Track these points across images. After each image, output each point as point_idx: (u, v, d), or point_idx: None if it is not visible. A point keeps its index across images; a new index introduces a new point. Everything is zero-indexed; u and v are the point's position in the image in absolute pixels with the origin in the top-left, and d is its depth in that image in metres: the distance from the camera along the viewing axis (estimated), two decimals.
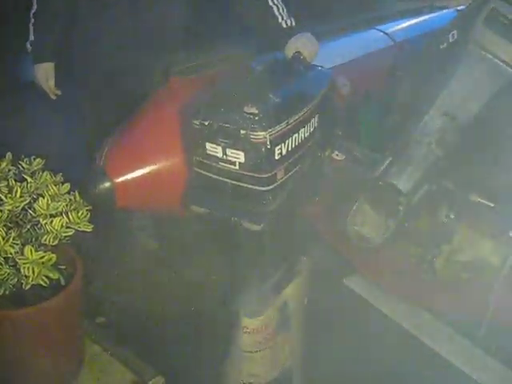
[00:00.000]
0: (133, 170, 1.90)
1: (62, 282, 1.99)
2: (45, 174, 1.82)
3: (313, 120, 1.69)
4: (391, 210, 1.59)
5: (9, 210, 1.71)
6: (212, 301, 2.68)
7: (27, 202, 1.72)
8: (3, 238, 1.67)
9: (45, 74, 2.31)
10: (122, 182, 1.88)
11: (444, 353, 2.45)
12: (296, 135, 1.62)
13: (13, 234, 1.70)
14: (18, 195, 1.70)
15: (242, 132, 1.51)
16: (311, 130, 1.69)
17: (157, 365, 2.29)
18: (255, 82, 1.68)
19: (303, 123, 1.64)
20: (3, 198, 1.69)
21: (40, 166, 1.88)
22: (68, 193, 1.90)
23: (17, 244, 1.71)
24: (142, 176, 1.90)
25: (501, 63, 1.77)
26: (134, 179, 1.89)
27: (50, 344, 1.96)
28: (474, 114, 1.69)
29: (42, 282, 1.83)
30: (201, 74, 2.10)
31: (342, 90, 2.46)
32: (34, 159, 1.89)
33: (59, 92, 2.38)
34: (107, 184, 1.87)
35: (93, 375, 2.20)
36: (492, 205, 1.91)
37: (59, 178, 1.92)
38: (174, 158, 1.89)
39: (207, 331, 2.53)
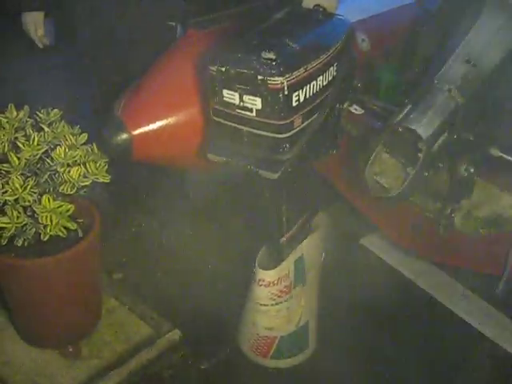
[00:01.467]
0: (151, 121, 1.88)
1: (80, 233, 2.01)
2: (61, 124, 1.83)
3: (331, 69, 1.66)
4: (410, 157, 1.56)
5: (26, 159, 1.72)
6: (230, 254, 2.70)
7: (44, 150, 1.72)
8: (21, 186, 1.67)
9: (33, 23, 2.30)
10: (140, 132, 1.86)
11: (460, 312, 2.44)
12: (314, 83, 1.59)
13: (31, 183, 1.71)
14: (35, 143, 1.71)
15: (260, 77, 1.49)
16: (329, 78, 1.67)
17: (174, 319, 2.33)
18: (273, 30, 1.66)
19: (321, 71, 1.61)
20: (20, 145, 1.69)
21: (57, 116, 1.89)
22: (85, 144, 1.91)
23: (35, 193, 1.72)
24: (160, 127, 1.88)
25: None
26: (151, 130, 1.87)
27: (67, 294, 1.99)
28: (497, 63, 1.65)
29: (60, 233, 1.85)
30: (219, 26, 2.07)
31: (360, 45, 2.42)
32: (52, 110, 1.89)
33: (48, 42, 2.37)
34: (125, 135, 1.85)
35: (111, 328, 2.25)
36: None
37: (77, 129, 1.93)
38: (191, 108, 1.88)
39: (225, 285, 2.55)
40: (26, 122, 1.86)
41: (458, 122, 1.63)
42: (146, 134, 1.87)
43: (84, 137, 1.86)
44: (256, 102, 1.54)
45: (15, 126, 1.81)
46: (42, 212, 1.74)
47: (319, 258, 2.20)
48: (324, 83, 1.65)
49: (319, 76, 1.61)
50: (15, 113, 1.83)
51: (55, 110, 1.89)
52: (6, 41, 3.77)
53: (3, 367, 2.07)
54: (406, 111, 1.56)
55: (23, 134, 1.76)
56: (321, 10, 1.96)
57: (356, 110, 2.08)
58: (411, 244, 2.24)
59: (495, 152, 1.88)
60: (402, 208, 2.15)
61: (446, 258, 2.21)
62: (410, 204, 2.12)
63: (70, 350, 2.10)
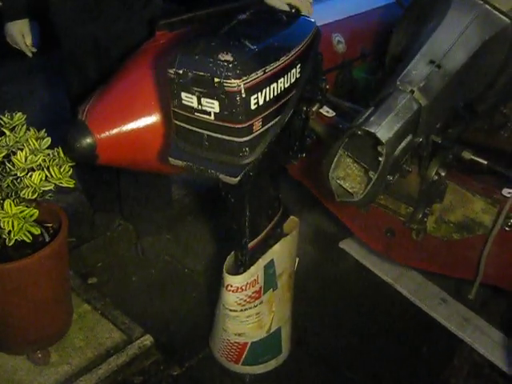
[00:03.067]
0: (115, 125, 1.85)
1: (47, 238, 1.99)
2: (24, 127, 1.80)
3: (294, 70, 1.63)
4: (372, 161, 1.53)
5: None
6: (206, 259, 2.68)
7: (3, 154, 1.69)
8: None
9: (20, 32, 2.25)
10: (104, 137, 1.84)
11: (438, 317, 2.42)
12: (274, 85, 1.56)
13: None
14: None
15: (216, 80, 1.46)
16: (292, 80, 1.63)
17: (147, 325, 2.30)
18: (234, 31, 1.62)
19: (282, 73, 1.58)
20: None
21: (21, 120, 1.86)
22: (50, 148, 1.88)
23: None
24: (125, 131, 1.85)
25: (493, 11, 1.69)
26: (116, 134, 1.85)
27: (34, 300, 1.96)
28: (463, 63, 1.61)
29: (25, 238, 1.83)
30: (188, 27, 2.04)
31: (336, 47, 2.39)
32: (16, 114, 1.87)
33: (35, 49, 2.33)
34: (89, 139, 1.83)
35: (82, 333, 2.23)
36: (485, 162, 1.84)
37: (42, 133, 1.90)
38: (156, 112, 1.85)
39: (201, 290, 2.53)
40: None
41: (422, 125, 1.59)
42: (110, 138, 1.85)
43: (48, 141, 1.83)
44: (214, 105, 1.51)
45: None
46: (3, 217, 1.71)
47: (292, 262, 2.17)
48: (286, 85, 1.62)
49: (280, 78, 1.58)
50: None
51: (19, 113, 1.86)
52: None
53: None
54: (367, 114, 1.53)
55: None
56: (293, 10, 1.95)
57: (328, 112, 2.06)
58: (386, 249, 2.21)
59: (467, 155, 1.85)
60: (376, 212, 2.12)
61: (420, 263, 2.19)
62: (383, 208, 2.10)
63: (39, 355, 2.07)
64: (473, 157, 1.84)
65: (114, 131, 1.86)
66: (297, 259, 2.26)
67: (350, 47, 2.42)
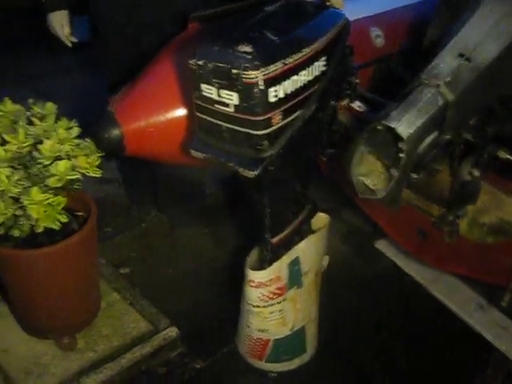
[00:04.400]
0: (143, 117, 1.86)
1: (75, 226, 2.02)
2: (53, 117, 1.83)
3: (318, 63, 1.59)
4: (393, 158, 1.48)
5: (13, 151, 1.73)
6: (239, 253, 2.67)
7: (30, 143, 1.73)
8: (7, 178, 1.69)
9: (60, 22, 2.32)
10: (132, 128, 1.86)
11: (474, 323, 2.33)
12: (295, 77, 1.53)
13: (17, 175, 1.72)
14: (21, 136, 1.72)
15: (234, 71, 1.44)
16: (316, 73, 1.60)
17: (174, 316, 2.31)
18: (258, 23, 1.60)
19: (304, 65, 1.54)
20: (6, 138, 1.71)
21: (52, 110, 1.89)
22: (79, 137, 1.91)
23: (21, 185, 1.74)
24: (151, 123, 1.86)
25: None
26: (143, 126, 1.86)
27: (62, 287, 2.00)
28: (494, 57, 1.53)
29: (53, 226, 1.86)
30: (221, 20, 2.03)
31: (374, 41, 2.33)
32: (46, 103, 1.91)
33: (75, 39, 2.38)
34: (116, 130, 1.85)
35: (109, 321, 2.25)
36: None
37: (72, 123, 1.93)
38: (182, 105, 1.85)
39: (231, 284, 2.52)
40: (21, 115, 1.87)
41: (449, 121, 1.53)
42: (137, 129, 1.86)
43: (76, 130, 1.86)
44: (233, 97, 1.49)
45: (9, 118, 1.83)
46: (30, 204, 1.75)
47: (319, 261, 2.13)
48: (309, 78, 1.58)
49: (302, 71, 1.54)
50: (10, 106, 1.84)
51: (50, 103, 1.89)
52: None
53: (1, 354, 2.11)
54: (389, 109, 1.48)
55: (9, 125, 1.77)
56: (328, 3, 1.91)
57: (359, 107, 2.01)
58: (417, 250, 2.15)
59: (503, 154, 1.77)
60: (408, 212, 2.06)
61: (452, 266, 2.11)
62: (414, 208, 2.04)
63: (66, 341, 2.11)
64: (509, 156, 1.76)
65: (141, 123, 1.87)
66: (326, 258, 2.22)
67: (388, 41, 2.35)
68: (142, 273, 2.59)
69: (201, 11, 2.05)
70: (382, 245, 2.69)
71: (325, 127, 1.84)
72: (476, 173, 1.79)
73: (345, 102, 1.91)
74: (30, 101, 1.96)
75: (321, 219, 2.13)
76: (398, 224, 2.16)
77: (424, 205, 1.99)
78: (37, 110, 1.88)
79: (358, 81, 1.86)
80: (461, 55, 1.52)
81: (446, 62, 1.51)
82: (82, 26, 4.14)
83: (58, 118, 1.93)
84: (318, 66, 1.61)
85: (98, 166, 1.90)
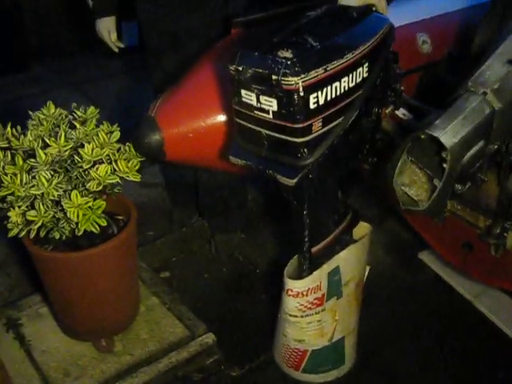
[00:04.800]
0: (183, 123, 1.86)
1: (114, 230, 2.03)
2: (94, 121, 1.85)
3: (360, 69, 1.55)
4: (436, 168, 1.42)
5: (54, 155, 1.75)
6: (274, 261, 2.65)
7: (71, 146, 1.75)
8: (47, 181, 1.71)
9: (107, 28, 2.35)
10: (172, 133, 1.85)
11: None
12: (337, 84, 1.49)
13: (57, 178, 1.74)
14: (62, 140, 1.74)
15: (274, 77, 1.42)
16: (358, 80, 1.56)
17: (212, 323, 2.30)
18: (300, 28, 1.57)
19: (346, 71, 1.51)
20: (48, 142, 1.73)
21: (94, 114, 1.91)
22: (120, 142, 1.92)
23: (61, 188, 1.75)
24: (192, 129, 1.86)
25: None
26: (183, 132, 1.86)
27: (100, 290, 2.01)
28: None
29: (93, 229, 1.88)
30: (264, 25, 2.01)
31: (421, 47, 2.27)
32: (89, 107, 1.93)
33: (122, 45, 2.41)
34: (157, 135, 1.85)
35: (147, 325, 2.26)
36: None
37: (114, 127, 1.94)
38: (222, 111, 1.83)
39: (270, 292, 2.50)
40: (64, 118, 1.89)
41: (496, 130, 1.46)
42: (178, 135, 1.86)
43: (117, 135, 1.87)
44: (272, 104, 1.46)
45: (52, 122, 1.85)
46: (69, 207, 1.77)
47: (361, 271, 2.08)
48: (351, 85, 1.54)
49: (343, 77, 1.50)
50: (53, 110, 1.87)
51: (92, 107, 1.91)
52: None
53: (41, 355, 2.14)
54: (433, 117, 1.42)
55: (51, 129, 1.80)
56: (373, 8, 1.87)
57: (404, 114, 1.96)
58: (462, 263, 2.07)
59: None
60: (452, 223, 1.99)
61: (499, 282, 2.02)
62: (460, 219, 1.96)
63: (104, 344, 2.12)
64: None
65: (182, 128, 1.86)
66: (367, 268, 2.17)
67: (436, 48, 2.28)
68: (181, 277, 2.59)
69: (243, 16, 2.04)
70: (425, 256, 2.62)
71: (368, 135, 1.79)
72: None
73: (389, 110, 1.86)
74: (74, 104, 1.99)
75: (363, 228, 2.08)
76: (442, 236, 2.09)
77: (470, 216, 1.92)
78: (79, 113, 1.90)
79: (403, 88, 1.81)
80: (509, 62, 1.45)
81: (493, 69, 1.45)
82: (130, 30, 4.21)
83: (100, 122, 1.95)
84: (361, 73, 1.56)
85: (138, 171, 1.91)
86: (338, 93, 1.51)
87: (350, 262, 2.00)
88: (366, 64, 1.57)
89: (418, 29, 2.26)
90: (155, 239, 2.75)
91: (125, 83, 4.19)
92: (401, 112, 1.94)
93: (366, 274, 2.17)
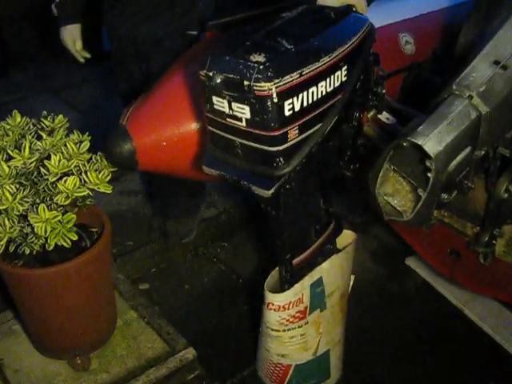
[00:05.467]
0: (156, 131, 1.78)
1: (87, 244, 1.94)
2: (61, 131, 1.76)
3: (338, 73, 1.47)
4: (420, 178, 1.34)
5: (19, 167, 1.66)
6: (258, 271, 2.56)
7: (36, 158, 1.66)
8: (11, 195, 1.62)
9: (71, 37, 2.24)
10: (144, 142, 1.77)
11: (506, 345, 2.16)
12: (314, 89, 1.41)
13: (22, 191, 1.65)
14: (26, 152, 1.65)
15: (246, 83, 1.33)
16: (336, 84, 1.48)
17: (192, 337, 2.21)
18: (274, 31, 1.49)
19: (324, 76, 1.42)
20: (10, 153, 1.64)
21: (62, 123, 1.82)
22: (90, 152, 1.83)
23: (27, 202, 1.66)
24: (165, 137, 1.78)
25: None
26: (156, 140, 1.78)
27: (73, 306, 1.92)
28: None
29: (64, 243, 1.79)
30: (239, 28, 1.93)
31: (404, 47, 2.19)
32: (56, 117, 1.84)
33: (88, 55, 2.30)
34: (129, 144, 1.77)
35: (125, 341, 2.18)
36: None
37: (84, 137, 1.86)
38: (195, 119, 1.75)
39: (252, 305, 2.41)
40: (31, 128, 1.80)
41: (483, 136, 1.38)
42: (151, 143, 1.78)
43: (86, 145, 1.78)
44: (245, 111, 1.38)
45: (18, 132, 1.76)
46: (36, 222, 1.68)
47: (345, 281, 2.00)
48: (329, 89, 1.46)
49: (320, 82, 1.42)
50: (19, 119, 1.78)
51: (60, 116, 1.83)
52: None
53: (14, 374, 2.05)
54: (416, 123, 1.34)
55: (14, 140, 1.71)
56: (353, 9, 1.79)
57: (388, 119, 1.88)
58: (450, 271, 2.00)
59: None
60: (440, 231, 1.92)
61: (488, 290, 1.95)
62: (447, 227, 1.89)
63: (79, 362, 2.03)
64: None
65: (155, 137, 1.78)
66: (352, 277, 2.09)
67: (419, 48, 2.21)
68: (161, 289, 2.51)
69: (218, 19, 1.96)
70: (412, 262, 2.54)
71: (349, 141, 1.71)
72: None
73: (371, 114, 1.78)
74: (44, 113, 1.90)
75: (347, 237, 2.00)
76: (429, 243, 2.02)
77: (457, 223, 1.85)
78: (47, 123, 1.81)
79: (385, 91, 1.73)
80: (496, 63, 1.37)
81: (479, 71, 1.37)
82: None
83: (70, 131, 1.86)
84: (339, 76, 1.48)
85: (113, 179, 1.82)
86: (315, 98, 1.43)
87: (333, 272, 1.92)
88: (345, 67, 1.49)
89: (400, 29, 2.19)
90: (135, 249, 2.66)
91: (105, 89, 4.10)
92: (384, 116, 1.86)
93: (351, 283, 2.09)
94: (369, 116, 1.80)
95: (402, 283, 2.52)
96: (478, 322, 2.26)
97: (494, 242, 1.77)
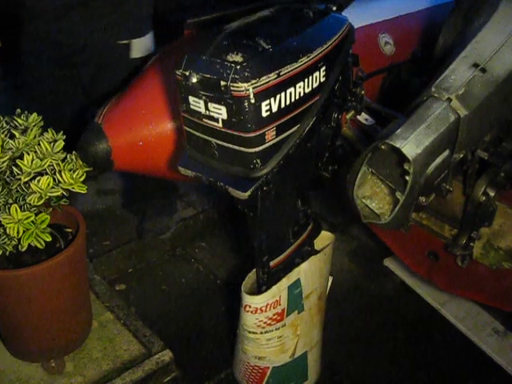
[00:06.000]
0: (132, 130, 1.76)
1: (62, 245, 1.91)
2: (34, 129, 1.72)
3: (316, 74, 1.46)
4: (398, 181, 1.33)
5: None
6: (237, 272, 2.54)
7: (7, 157, 1.61)
8: None
9: None
10: (120, 142, 1.74)
11: (488, 350, 2.17)
12: (292, 90, 1.39)
13: None
14: None
15: (223, 83, 1.31)
16: (314, 85, 1.46)
17: (169, 339, 2.19)
18: (251, 30, 1.47)
19: (301, 76, 1.41)
20: None
21: (36, 122, 1.78)
22: (65, 151, 1.79)
23: None
24: (142, 136, 1.75)
25: None
26: (132, 140, 1.75)
27: (46, 308, 1.88)
28: (511, 67, 1.38)
29: (37, 244, 1.75)
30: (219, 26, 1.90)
31: (383, 48, 2.18)
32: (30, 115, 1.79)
33: None
34: (104, 144, 1.74)
35: (100, 343, 2.14)
36: None
37: (59, 135, 1.81)
38: (172, 119, 1.73)
39: (228, 304, 2.40)
40: (4, 127, 1.76)
41: (462, 139, 1.37)
42: (127, 143, 1.75)
43: (60, 144, 1.74)
44: (221, 111, 1.36)
45: None
46: (8, 223, 1.63)
47: (323, 282, 1.99)
48: (307, 90, 1.44)
49: (298, 82, 1.41)
50: None
51: (34, 114, 1.78)
52: None
53: None
54: (395, 125, 1.33)
55: None
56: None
57: (366, 120, 1.87)
58: (428, 273, 2.00)
59: None
60: (418, 233, 1.91)
61: (465, 292, 1.95)
62: (425, 229, 1.89)
63: (53, 364, 2.00)
64: None
65: (130, 137, 1.76)
66: (330, 278, 2.08)
67: (399, 49, 2.20)
68: (138, 290, 2.48)
69: (196, 17, 1.93)
70: (390, 263, 2.54)
71: (327, 142, 1.70)
72: (491, 193, 1.64)
73: (350, 115, 1.77)
74: (18, 111, 1.86)
75: (325, 238, 1.99)
76: (407, 245, 2.01)
77: (435, 225, 1.85)
78: (20, 121, 1.76)
79: (363, 92, 1.72)
80: (475, 65, 1.36)
81: (458, 73, 1.36)
82: None
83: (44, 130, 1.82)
84: (318, 77, 1.47)
85: (89, 179, 1.78)
86: (293, 99, 1.41)
87: (311, 273, 1.91)
88: (323, 68, 1.48)
89: (380, 29, 2.18)
90: (111, 249, 2.62)
91: None
92: (363, 117, 1.86)
93: (329, 284, 2.08)
94: (347, 117, 1.78)
95: (380, 284, 2.51)
96: (455, 323, 2.27)
97: (471, 244, 1.77)
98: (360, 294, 2.46)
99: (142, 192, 2.62)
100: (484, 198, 1.64)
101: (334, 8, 1.78)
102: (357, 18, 2.12)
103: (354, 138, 1.80)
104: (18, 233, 1.66)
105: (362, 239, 2.69)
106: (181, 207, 2.79)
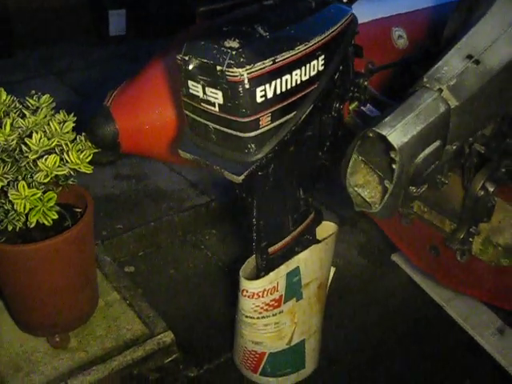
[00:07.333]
0: (139, 114, 1.79)
1: (70, 223, 1.96)
2: (44, 110, 1.77)
3: (314, 62, 1.47)
4: (386, 169, 1.34)
5: (1, 144, 1.68)
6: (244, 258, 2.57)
7: (16, 135, 1.67)
8: None
9: None
10: (127, 124, 1.79)
11: (491, 349, 2.16)
12: (288, 77, 1.41)
13: (2, 168, 1.67)
14: (6, 129, 1.66)
15: (218, 68, 1.34)
16: (312, 73, 1.48)
17: (172, 321, 2.23)
18: (252, 17, 1.49)
19: (298, 64, 1.42)
20: None
21: (47, 103, 1.84)
22: (74, 132, 1.85)
23: (7, 178, 1.69)
24: (148, 120, 1.79)
25: None
26: (139, 123, 1.79)
27: (53, 284, 1.95)
28: (508, 61, 1.37)
29: (45, 221, 1.81)
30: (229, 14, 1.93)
31: (396, 42, 2.18)
32: (43, 95, 1.85)
33: None
34: (111, 126, 1.78)
35: (105, 322, 2.20)
36: None
37: (70, 117, 1.87)
38: (178, 103, 1.76)
39: (232, 290, 2.42)
40: (17, 106, 1.82)
41: (454, 130, 1.38)
42: (134, 126, 1.79)
43: (70, 125, 1.80)
44: (218, 96, 1.39)
45: (3, 110, 1.78)
46: (16, 198, 1.70)
47: (324, 272, 2.00)
48: (304, 78, 1.46)
49: (295, 70, 1.42)
50: (4, 97, 1.80)
51: (46, 95, 1.84)
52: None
53: None
54: (385, 113, 1.34)
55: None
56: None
57: (371, 111, 1.88)
58: (429, 267, 2.00)
59: None
60: (420, 226, 1.92)
61: (465, 288, 1.94)
62: (426, 223, 1.89)
63: (57, 339, 2.06)
64: None
65: (137, 120, 1.80)
66: (333, 269, 2.10)
67: (412, 43, 2.20)
68: (146, 273, 2.53)
69: (207, 6, 1.96)
70: (398, 258, 2.54)
71: (328, 131, 1.72)
72: (490, 188, 1.63)
73: (353, 106, 1.78)
74: (33, 92, 1.92)
75: (328, 228, 2.01)
76: (410, 239, 2.01)
77: (436, 219, 1.84)
78: (32, 102, 1.82)
79: (367, 83, 1.73)
80: (469, 57, 1.36)
81: (450, 64, 1.35)
82: (118, 19, 4.14)
83: (56, 111, 1.88)
84: (315, 66, 1.48)
85: (90, 162, 1.83)
86: (289, 86, 1.43)
87: (311, 262, 1.93)
88: (322, 57, 1.49)
89: (393, 23, 2.18)
90: (123, 232, 2.68)
91: (109, 73, 4.12)
92: (367, 108, 1.87)
93: (332, 275, 2.10)
94: (351, 108, 1.80)
95: (387, 279, 2.51)
96: (458, 321, 2.26)
97: (470, 239, 1.76)
98: (365, 288, 2.47)
99: None
100: (482, 193, 1.63)
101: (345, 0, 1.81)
102: (370, 10, 2.15)
103: (357, 128, 1.80)
104: (24, 209, 1.72)
105: (372, 233, 2.69)
106: (194, 195, 2.84)
